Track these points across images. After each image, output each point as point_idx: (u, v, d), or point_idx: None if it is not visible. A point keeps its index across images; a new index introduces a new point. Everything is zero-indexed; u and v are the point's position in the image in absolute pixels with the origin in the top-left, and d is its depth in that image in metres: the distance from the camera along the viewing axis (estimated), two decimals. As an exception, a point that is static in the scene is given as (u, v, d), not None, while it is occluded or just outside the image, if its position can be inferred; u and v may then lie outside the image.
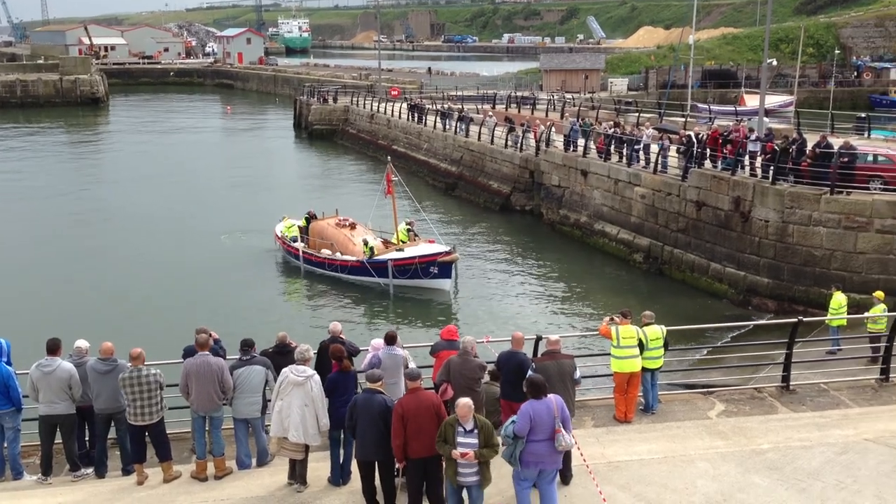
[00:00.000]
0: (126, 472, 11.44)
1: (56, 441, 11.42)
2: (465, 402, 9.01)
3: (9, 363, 11.52)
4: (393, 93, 66.17)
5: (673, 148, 31.48)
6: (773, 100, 60.14)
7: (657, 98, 68.47)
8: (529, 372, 9.98)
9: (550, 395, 9.45)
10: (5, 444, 11.51)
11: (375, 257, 28.25)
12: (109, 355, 11.13)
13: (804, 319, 14.78)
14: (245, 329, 19.52)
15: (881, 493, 10.29)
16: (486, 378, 11.30)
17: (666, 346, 13.43)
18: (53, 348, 11.21)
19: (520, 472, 9.41)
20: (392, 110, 58.76)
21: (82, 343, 11.62)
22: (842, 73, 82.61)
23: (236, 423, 11.45)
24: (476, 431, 9.01)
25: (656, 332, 13.19)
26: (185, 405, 11.37)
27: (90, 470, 11.51)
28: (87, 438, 11.73)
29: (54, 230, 37.46)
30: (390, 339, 11.62)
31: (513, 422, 9.40)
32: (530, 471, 9.36)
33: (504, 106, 57.78)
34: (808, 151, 25.37)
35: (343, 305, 27.36)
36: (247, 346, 11.41)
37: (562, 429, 9.26)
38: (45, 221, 39.33)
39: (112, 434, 11.62)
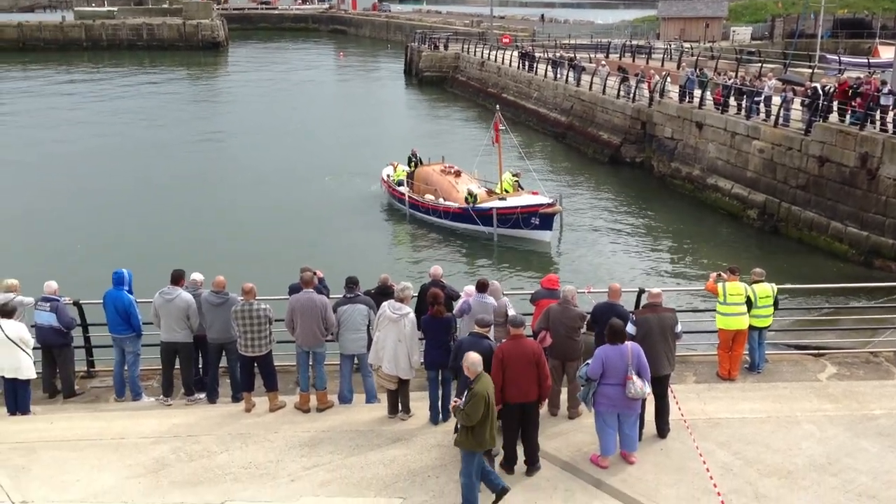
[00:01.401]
0: (235, 399, 12.03)
1: (175, 367, 12.10)
2: (472, 357, 8.85)
3: (130, 292, 12.20)
4: (504, 40, 65.29)
5: (797, 100, 29.94)
6: (910, 51, 56.12)
7: (783, 48, 65.05)
8: (613, 318, 9.89)
9: (628, 343, 9.59)
10: (126, 368, 12.26)
11: (478, 205, 28.25)
12: (222, 288, 11.66)
13: (930, 283, 13.97)
14: (348, 269, 19.93)
15: None
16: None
17: (776, 304, 12.98)
18: (177, 278, 11.83)
19: (598, 415, 9.65)
20: (503, 58, 58.07)
21: (197, 276, 12.19)
22: None
23: (342, 359, 11.80)
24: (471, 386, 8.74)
25: (766, 289, 12.75)
26: (290, 339, 11.78)
27: (203, 395, 12.16)
28: (200, 366, 12.36)
29: (175, 170, 39.08)
30: (482, 287, 11.66)
31: (587, 364, 9.66)
32: (607, 415, 9.61)
33: (618, 55, 56.14)
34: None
35: (445, 251, 27.58)
36: (351, 283, 11.67)
37: (633, 376, 9.39)
38: (166, 161, 41.07)
39: (223, 363, 12.21)
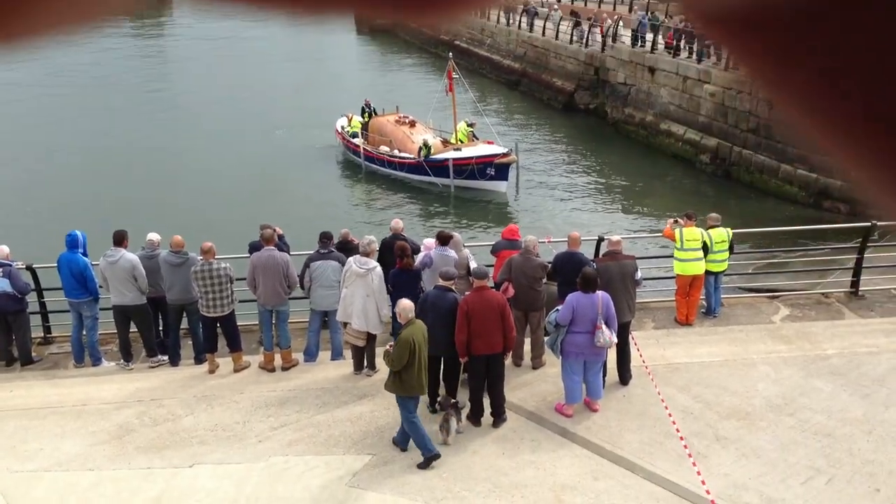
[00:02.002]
0: (198, 360, 11.93)
1: (133, 330, 11.93)
2: (403, 303, 9.20)
3: (85, 254, 11.93)
4: (455, -15, 64.32)
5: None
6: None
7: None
8: (586, 268, 9.99)
9: (598, 292, 9.66)
10: (84, 332, 12.06)
11: (433, 156, 28.07)
12: (181, 248, 11.46)
13: (878, 223, 14.31)
14: (306, 225, 19.81)
15: (949, 401, 10.14)
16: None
17: (731, 248, 13.20)
18: (119, 239, 11.55)
19: (565, 362, 9.77)
20: (454, 4, 57.22)
21: (154, 236, 11.98)
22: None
23: (312, 315, 11.74)
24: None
25: (721, 234, 12.94)
26: (252, 299, 11.68)
27: (165, 358, 12.03)
28: (161, 328, 12.21)
29: (123, 127, 38.08)
30: (444, 239, 11.65)
31: (556, 310, 9.75)
32: (574, 362, 9.73)
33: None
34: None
35: (402, 204, 27.45)
36: (325, 238, 11.59)
37: (603, 325, 9.51)
38: (113, 119, 39.98)
39: (184, 325, 12.07)
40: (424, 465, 8.94)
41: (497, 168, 27.09)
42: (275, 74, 51.33)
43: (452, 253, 11.56)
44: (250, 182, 29.36)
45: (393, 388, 9.04)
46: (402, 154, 29.00)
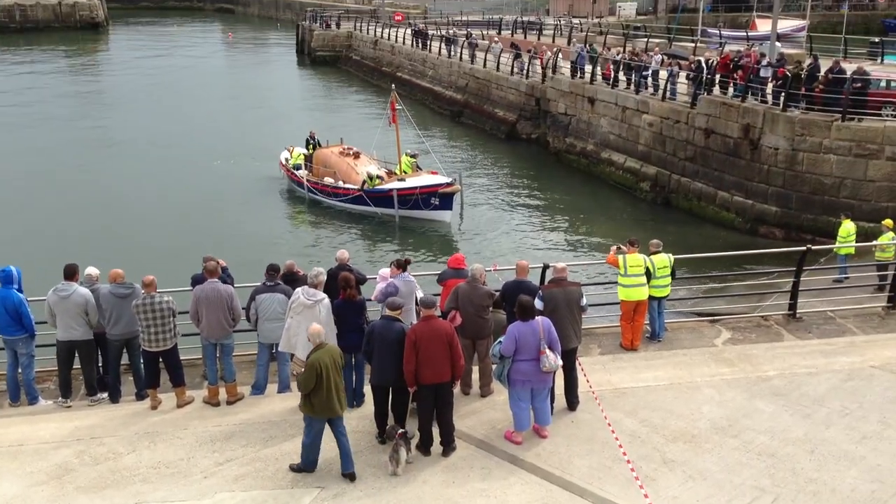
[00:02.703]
0: (139, 396, 11.62)
1: (75, 367, 11.57)
2: (313, 327, 9.34)
3: (20, 290, 11.57)
4: (397, 18, 64.94)
5: (682, 74, 30.97)
6: (785, 24, 58.75)
7: (667, 22, 67.07)
8: (521, 295, 10.06)
9: (538, 318, 9.81)
10: (20, 370, 11.65)
11: (377, 187, 28.11)
12: (123, 280, 11.20)
13: (812, 248, 14.75)
14: (251, 257, 19.59)
15: (886, 418, 10.42)
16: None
17: (673, 274, 13.45)
18: (70, 273, 11.26)
19: (512, 391, 9.82)
20: (396, 36, 57.73)
21: (92, 270, 11.69)
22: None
23: (260, 348, 11.57)
24: None
25: (664, 260, 13.19)
26: (196, 332, 11.45)
27: (105, 395, 11.69)
28: (100, 364, 11.87)
29: (56, 158, 37.27)
30: (403, 265, 11.64)
31: (499, 342, 9.83)
32: (521, 390, 9.79)
33: (510, 32, 56.65)
34: (820, 77, 24.95)
35: (347, 234, 27.38)
36: (273, 271, 11.44)
37: (546, 350, 9.61)
38: (45, 149, 39.09)
39: (125, 360, 11.76)
40: (297, 468, 9.34)
41: (441, 197, 27.27)
42: (216, 106, 50.88)
43: (413, 279, 11.57)
44: (193, 215, 28.97)
45: (305, 409, 9.21)
46: (346, 185, 28.98)
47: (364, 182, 28.37)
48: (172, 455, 9.80)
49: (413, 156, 30.39)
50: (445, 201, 27.48)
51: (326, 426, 9.28)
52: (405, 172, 29.21)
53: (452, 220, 27.99)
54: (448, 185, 27.39)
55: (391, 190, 27.76)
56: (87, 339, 11.27)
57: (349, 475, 9.22)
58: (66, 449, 10.00)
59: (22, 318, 11.36)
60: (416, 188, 27.49)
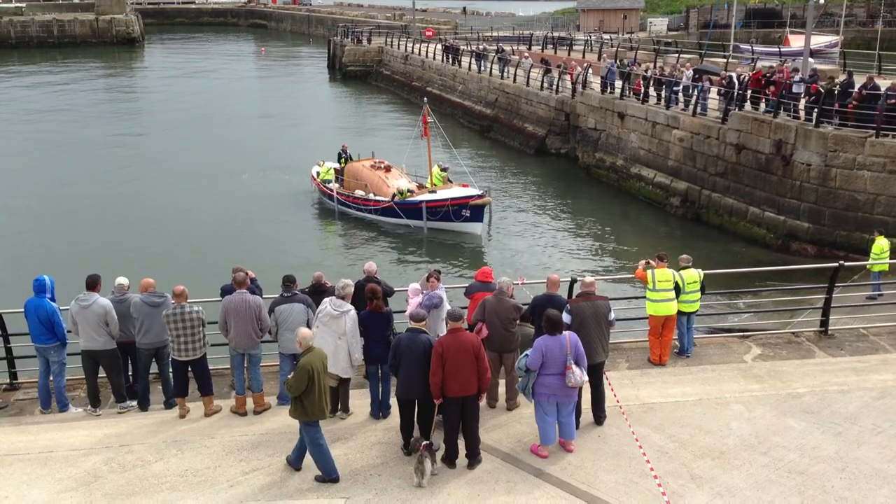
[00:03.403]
0: (168, 405, 11.74)
1: (101, 375, 11.72)
2: (301, 332, 9.46)
3: (52, 299, 11.77)
4: (427, 34, 65.34)
5: (713, 90, 30.78)
6: (818, 40, 58.18)
7: (698, 38, 66.77)
8: (549, 309, 10.02)
9: (566, 333, 9.78)
10: (51, 378, 11.84)
11: (407, 199, 28.23)
12: (154, 290, 11.35)
13: (845, 264, 14.54)
14: (280, 269, 19.69)
15: (919, 438, 10.22)
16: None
17: (703, 289, 13.32)
18: (92, 284, 11.44)
19: (538, 405, 9.82)
20: (426, 51, 58.07)
21: (123, 280, 11.84)
22: (890, 12, 79.60)
23: (281, 359, 11.64)
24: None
25: (693, 275, 13.08)
26: (224, 342, 11.56)
27: (134, 403, 11.82)
28: (129, 373, 12.01)
29: (92, 171, 37.92)
30: (438, 276, 11.69)
31: (526, 355, 9.81)
32: (546, 404, 9.77)
33: (540, 47, 56.75)
34: (854, 93, 24.67)
35: (377, 246, 27.49)
36: (289, 282, 11.51)
37: (573, 366, 9.60)
38: (80, 162, 39.79)
39: (154, 369, 11.90)
40: (322, 479, 9.37)
41: (472, 210, 27.33)
42: (248, 121, 51.48)
43: (443, 292, 11.66)
44: (224, 227, 29.29)
45: (296, 414, 9.32)
46: (377, 197, 29.15)
47: (394, 195, 28.53)
48: (199, 463, 9.88)
49: (444, 169, 30.55)
50: (476, 213, 27.54)
51: None
52: (436, 185, 29.32)
53: (482, 232, 28.01)
54: (479, 197, 27.45)
55: (421, 202, 27.88)
56: (109, 348, 11.39)
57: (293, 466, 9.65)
58: (96, 456, 10.13)
59: (54, 326, 11.56)
60: (446, 200, 27.59)
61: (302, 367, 9.10)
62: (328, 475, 9.38)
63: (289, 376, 9.35)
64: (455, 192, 28.30)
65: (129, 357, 11.82)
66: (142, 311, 11.28)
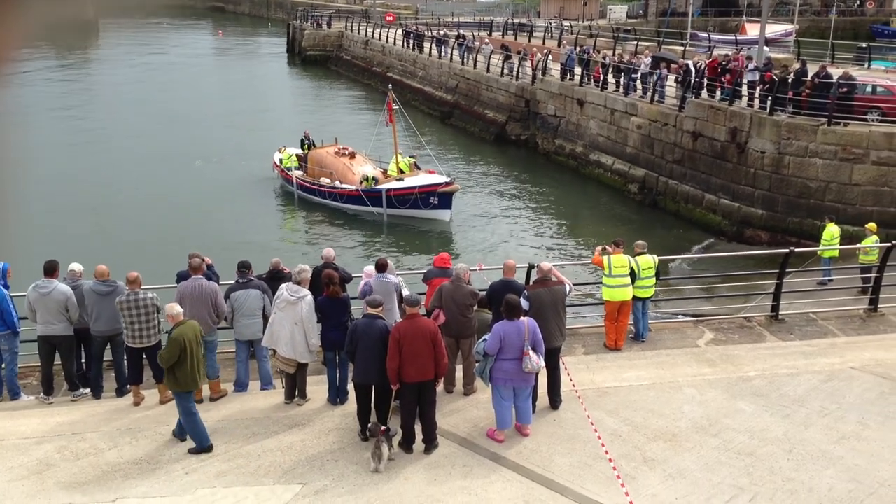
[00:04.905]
0: (121, 393, 11.63)
1: (57, 363, 11.56)
2: (169, 307, 9.94)
3: (6, 286, 11.55)
4: (388, 18, 64.93)
5: (671, 77, 31.11)
6: (773, 29, 58.98)
7: (656, 26, 67.32)
8: (508, 294, 10.10)
9: (524, 318, 9.83)
10: (2, 366, 11.63)
11: (375, 187, 28.12)
12: (106, 277, 11.20)
13: (795, 250, 14.86)
14: (238, 255, 19.55)
15: (864, 419, 10.52)
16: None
17: (658, 275, 13.53)
18: (50, 270, 11.28)
19: (495, 389, 9.92)
20: (387, 37, 57.74)
21: (76, 266, 11.68)
22: (844, 1, 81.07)
23: (237, 345, 11.59)
24: None
25: (648, 261, 13.27)
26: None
27: (88, 390, 11.68)
28: (83, 360, 11.86)
29: (47, 154, 37.09)
30: (381, 267, 11.67)
31: (484, 339, 9.89)
32: (503, 388, 9.87)
33: (500, 33, 56.75)
34: (807, 82, 25.11)
35: (339, 234, 27.39)
36: (244, 268, 11.45)
37: (530, 351, 9.69)
38: (36, 147, 38.91)
39: (107, 356, 11.76)
40: (195, 451, 9.64)
41: (440, 197, 27.32)
42: (206, 105, 50.76)
43: (392, 278, 11.58)
44: (183, 213, 28.94)
45: (169, 384, 9.68)
46: (344, 185, 28.97)
47: (361, 181, 28.41)
48: (154, 451, 9.80)
49: (411, 156, 30.55)
50: (444, 200, 27.54)
51: None
52: (402, 171, 29.23)
53: (451, 219, 27.99)
54: (447, 184, 27.45)
55: (389, 189, 27.83)
56: (67, 334, 11.27)
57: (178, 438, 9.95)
58: (48, 444, 9.99)
59: (3, 314, 11.34)
60: (414, 187, 27.55)
61: (174, 339, 9.45)
62: (201, 445, 9.66)
63: (161, 351, 9.73)
64: (423, 179, 28.25)
65: (82, 344, 11.66)
66: (91, 298, 11.15)
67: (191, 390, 9.69)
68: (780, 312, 14.44)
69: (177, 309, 9.76)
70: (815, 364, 12.28)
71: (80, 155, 37.42)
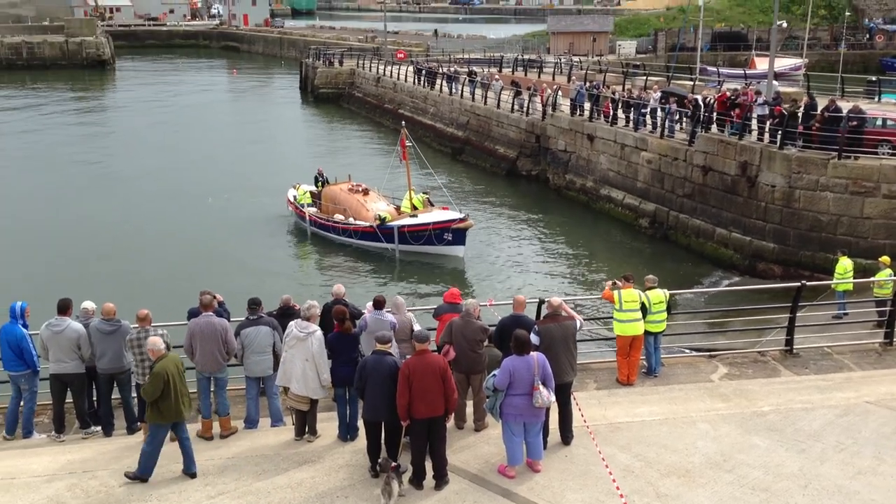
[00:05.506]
0: (130, 430, 11.62)
1: (68, 401, 11.58)
2: (151, 340, 10.07)
3: (25, 326, 11.62)
4: (399, 56, 65.66)
5: (679, 112, 31.22)
6: (783, 63, 59.43)
7: (666, 61, 67.77)
8: (518, 329, 10.08)
9: (533, 353, 9.80)
10: (21, 404, 11.66)
11: (389, 223, 28.24)
12: (112, 316, 11.25)
13: (808, 284, 14.78)
14: (250, 292, 19.64)
15: (880, 453, 10.38)
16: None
17: (669, 309, 13.48)
18: (63, 308, 11.36)
19: (505, 425, 9.85)
20: (398, 74, 58.35)
21: (89, 304, 11.74)
22: (853, 35, 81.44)
23: (248, 382, 11.59)
24: None
25: (659, 295, 13.23)
26: (190, 366, 11.46)
27: (99, 428, 11.68)
28: (94, 399, 11.88)
29: (63, 194, 37.54)
30: (378, 304, 11.67)
31: (493, 375, 9.84)
32: (514, 424, 9.80)
33: (511, 69, 57.27)
34: (816, 115, 25.16)
35: (352, 270, 27.46)
36: (254, 304, 11.48)
37: (540, 386, 9.63)
38: (52, 185, 39.40)
39: (116, 394, 11.77)
40: (131, 476, 9.82)
41: (454, 233, 27.42)
42: (220, 144, 51.29)
43: (389, 316, 11.54)
44: (197, 251, 29.11)
45: (152, 418, 9.81)
46: (358, 222, 29.11)
47: (376, 218, 28.54)
48: (164, 489, 9.77)
49: (426, 192, 30.73)
50: (458, 236, 27.64)
51: None
52: (416, 208, 29.36)
53: (464, 255, 28.01)
54: (461, 220, 27.56)
55: (403, 226, 27.95)
56: (78, 372, 11.30)
57: (191, 475, 9.96)
58: (59, 482, 9.98)
59: (23, 353, 11.39)
60: (428, 224, 27.66)
61: (156, 374, 9.55)
62: (140, 473, 9.82)
63: (144, 383, 9.83)
64: (437, 215, 28.40)
65: (93, 382, 11.69)
66: (95, 336, 11.21)
67: (175, 422, 9.85)
68: (795, 346, 14.32)
69: (159, 343, 9.88)
70: (831, 398, 12.16)
71: (94, 193, 37.77)
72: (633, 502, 9.26)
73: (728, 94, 30.20)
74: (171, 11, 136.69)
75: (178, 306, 13.90)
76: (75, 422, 11.72)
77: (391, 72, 59.74)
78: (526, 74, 54.51)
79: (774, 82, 32.63)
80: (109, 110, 66.69)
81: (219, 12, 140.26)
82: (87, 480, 10.01)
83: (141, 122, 59.01)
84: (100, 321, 11.25)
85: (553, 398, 9.88)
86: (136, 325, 10.96)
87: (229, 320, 11.72)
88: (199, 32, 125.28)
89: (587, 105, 35.95)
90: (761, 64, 57.66)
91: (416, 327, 11.51)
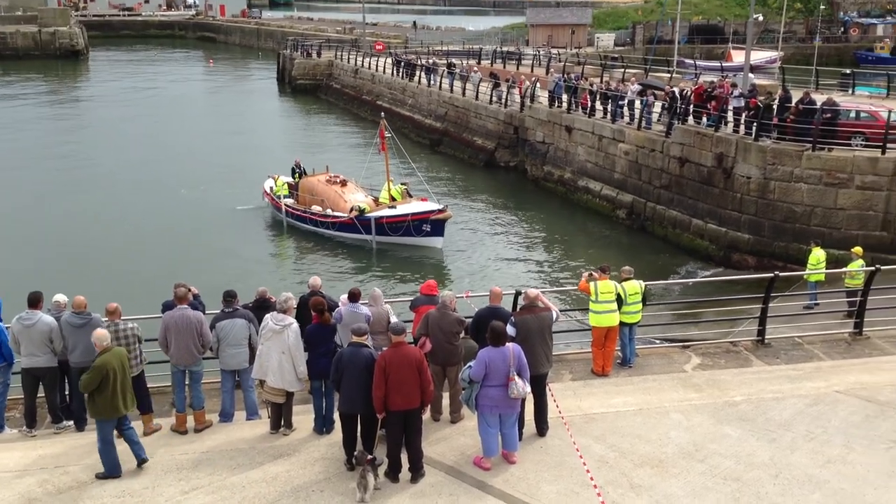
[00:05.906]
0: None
1: (40, 395, 11.47)
2: (97, 332, 9.95)
3: (-1, 319, 11.50)
4: (378, 48, 65.39)
5: (658, 104, 31.38)
6: (759, 55, 59.88)
7: (644, 53, 67.99)
8: (494, 321, 10.10)
9: (509, 345, 9.83)
10: (-9, 399, 11.55)
11: (368, 214, 28.18)
12: (82, 309, 11.14)
13: (781, 274, 14.92)
14: (226, 284, 19.55)
15: (849, 442, 10.52)
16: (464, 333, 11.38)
17: (644, 300, 13.56)
18: (34, 301, 11.22)
19: (481, 416, 9.88)
20: (377, 65, 58.12)
21: (61, 297, 11.61)
22: (829, 28, 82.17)
23: (223, 375, 11.51)
24: None
25: (635, 286, 13.31)
26: (165, 359, 11.40)
27: (71, 422, 11.58)
28: (66, 393, 11.77)
29: (35, 187, 37.09)
30: (353, 296, 11.67)
31: (469, 366, 9.87)
32: (489, 415, 9.83)
33: (489, 61, 57.23)
34: (791, 108, 25.37)
35: (329, 262, 27.37)
36: (229, 297, 11.41)
37: (515, 377, 9.67)
38: (24, 178, 38.90)
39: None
40: (102, 476, 9.78)
41: (433, 224, 27.41)
42: (196, 135, 50.88)
43: (364, 309, 11.55)
44: (171, 243, 28.87)
45: (91, 410, 9.80)
46: (336, 213, 29.01)
47: (351, 209, 28.47)
48: (137, 484, 9.72)
49: (404, 183, 30.68)
50: (437, 228, 27.64)
51: None
52: (394, 199, 29.31)
53: (443, 246, 28.01)
54: (440, 211, 27.56)
55: (381, 217, 27.90)
56: (50, 366, 11.19)
57: (142, 460, 10.02)
58: (30, 478, 9.90)
59: (0, 346, 11.28)
60: (406, 215, 27.63)
61: (96, 367, 9.51)
62: (109, 472, 9.78)
63: (83, 375, 9.71)
64: (415, 206, 28.37)
65: (65, 376, 11.59)
66: (66, 330, 11.09)
67: (110, 418, 9.72)
68: (767, 337, 14.47)
69: (104, 337, 9.77)
70: (801, 388, 12.30)
71: (67, 186, 37.37)
72: (607, 493, 9.33)
73: (705, 86, 30.36)
74: (147, 1, 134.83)
75: (153, 299, 13.80)
76: (47, 416, 11.62)
77: (370, 63, 59.51)
78: (504, 66, 54.50)
79: (750, 75, 32.85)
80: (83, 101, 65.90)
81: (195, 2, 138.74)
82: (60, 476, 9.94)
83: (115, 113, 58.37)
84: (70, 314, 11.13)
85: (528, 389, 9.92)
86: (106, 319, 10.85)
87: (204, 313, 11.64)
88: (174, 23, 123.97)
89: (565, 97, 36.02)
90: (738, 56, 57.99)
91: (393, 319, 11.51)
